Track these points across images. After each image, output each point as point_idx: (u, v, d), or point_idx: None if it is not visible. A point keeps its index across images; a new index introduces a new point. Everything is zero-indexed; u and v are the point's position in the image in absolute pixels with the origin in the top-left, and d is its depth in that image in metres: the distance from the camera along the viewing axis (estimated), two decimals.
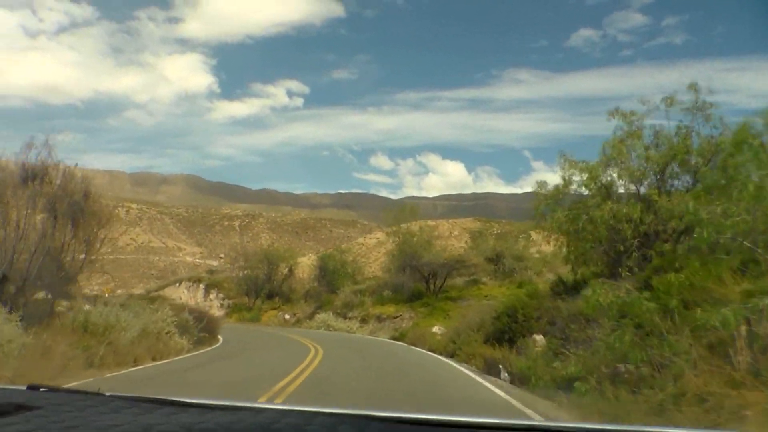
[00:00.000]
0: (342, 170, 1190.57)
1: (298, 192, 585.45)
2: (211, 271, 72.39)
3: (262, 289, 56.01)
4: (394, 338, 33.21)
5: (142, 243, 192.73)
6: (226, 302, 58.80)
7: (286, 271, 58.84)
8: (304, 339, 29.95)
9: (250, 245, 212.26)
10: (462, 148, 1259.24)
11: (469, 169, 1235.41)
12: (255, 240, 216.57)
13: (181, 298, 66.95)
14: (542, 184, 20.78)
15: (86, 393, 1.88)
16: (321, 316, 43.00)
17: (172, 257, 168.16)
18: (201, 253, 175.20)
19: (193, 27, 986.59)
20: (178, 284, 69.31)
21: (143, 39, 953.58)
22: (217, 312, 58.71)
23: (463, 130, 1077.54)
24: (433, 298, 39.95)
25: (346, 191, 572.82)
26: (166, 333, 21.24)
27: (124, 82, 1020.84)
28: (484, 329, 20.64)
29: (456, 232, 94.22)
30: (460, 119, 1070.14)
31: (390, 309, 40.57)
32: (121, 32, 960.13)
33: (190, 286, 66.19)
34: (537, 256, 45.82)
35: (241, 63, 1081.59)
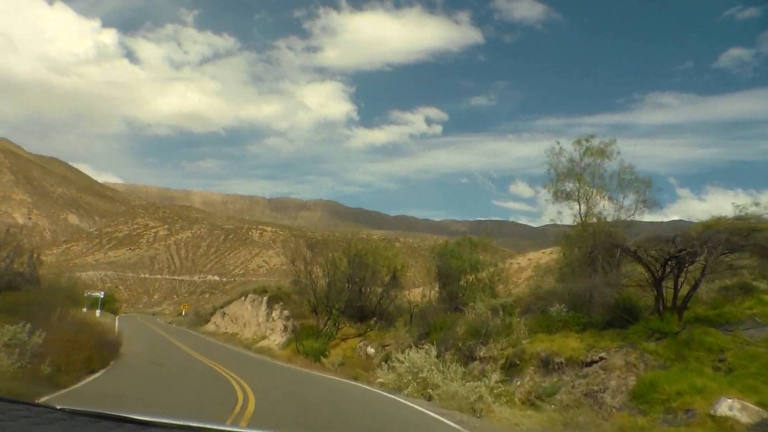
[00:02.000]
0: (481, 198, 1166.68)
1: (437, 219, 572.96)
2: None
3: (339, 304, 34.21)
4: None
5: (274, 265, 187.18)
6: (291, 323, 37.51)
7: (387, 278, 37.15)
8: None
9: None
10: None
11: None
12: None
13: (243, 316, 46.78)
14: None
15: (34, 405, 1.78)
16: (414, 357, 20.01)
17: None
18: None
19: (331, 55, 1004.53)
20: (243, 298, 49.29)
21: (283, 68, 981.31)
22: (279, 338, 37.62)
23: None
24: (673, 322, 16.54)
25: (485, 219, 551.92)
26: None
27: (264, 110, 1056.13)
28: None
29: None
30: None
31: (572, 343, 17.40)
32: (261, 62, 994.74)
33: (254, 300, 45.92)
34: None
35: (380, 90, 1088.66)
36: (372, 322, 34.06)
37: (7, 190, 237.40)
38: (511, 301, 23.15)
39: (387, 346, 27.69)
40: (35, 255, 30.17)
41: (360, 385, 21.20)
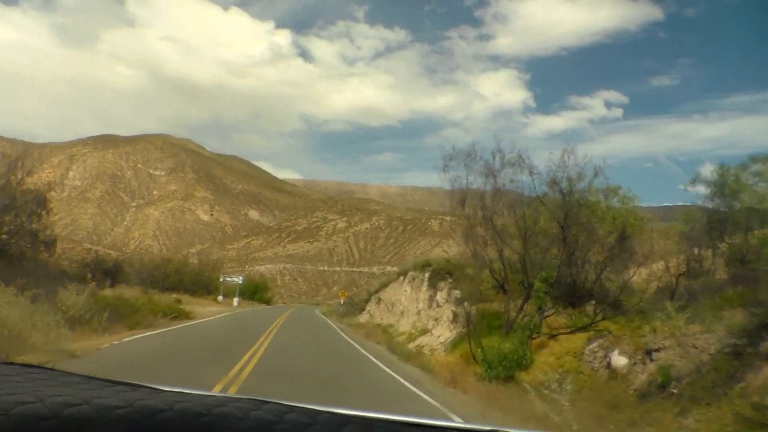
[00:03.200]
0: (666, 182, 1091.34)
1: (617, 206, 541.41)
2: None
3: (547, 273, 19.51)
4: None
5: (453, 255, 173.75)
6: (463, 308, 23.23)
7: (612, 240, 21.94)
8: None
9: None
10: None
11: None
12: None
13: (401, 302, 33.65)
14: None
15: (42, 368, 1.77)
16: None
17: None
18: None
19: (504, 43, 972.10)
20: (402, 278, 35.99)
21: (456, 58, 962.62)
22: (445, 332, 23.92)
23: None
24: None
25: (671, 204, 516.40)
26: None
27: (439, 101, 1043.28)
28: None
29: None
30: None
31: None
32: (434, 53, 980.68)
33: (413, 279, 32.46)
34: None
35: (556, 76, 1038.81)
36: (592, 306, 19.35)
37: (190, 187, 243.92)
38: None
39: (657, 350, 12.86)
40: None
41: None
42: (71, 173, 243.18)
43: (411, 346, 25.43)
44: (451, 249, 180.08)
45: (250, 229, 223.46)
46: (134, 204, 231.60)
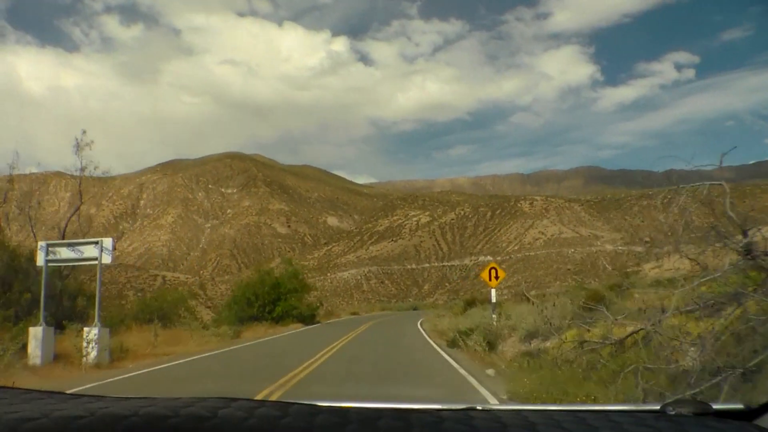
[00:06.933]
0: (752, 138, 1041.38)
1: (709, 168, 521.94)
2: None
3: None
4: None
5: (552, 236, 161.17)
6: None
7: None
8: None
9: (678, 224, 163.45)
10: None
11: None
12: (680, 218, 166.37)
13: None
14: None
15: (2, 388, 1.78)
16: None
17: (589, 247, 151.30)
18: (622, 238, 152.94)
19: (563, 18, 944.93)
20: None
21: (516, 41, 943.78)
22: None
23: None
24: None
25: (759, 160, 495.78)
26: None
27: (505, 87, 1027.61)
28: None
29: None
30: None
31: None
32: (492, 39, 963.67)
33: None
34: None
35: (621, 44, 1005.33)
36: None
37: (264, 201, 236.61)
38: None
39: None
40: None
41: None
42: (142, 202, 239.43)
43: None
44: (547, 230, 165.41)
45: (330, 236, 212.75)
46: (209, 225, 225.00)
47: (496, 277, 25.07)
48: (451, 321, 30.64)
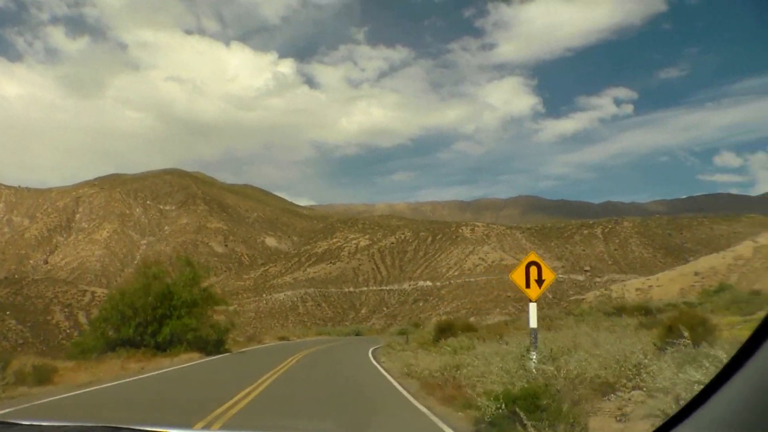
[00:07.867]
0: (684, 174, 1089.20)
1: (642, 201, 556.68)
2: None
3: None
4: None
5: (492, 262, 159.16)
6: None
7: None
8: None
9: (618, 254, 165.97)
10: None
11: None
12: (624, 248, 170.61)
13: None
14: None
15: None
16: None
17: None
18: (563, 267, 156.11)
19: (508, 50, 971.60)
20: None
21: (461, 70, 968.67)
22: None
23: None
24: None
25: (690, 195, 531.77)
26: None
27: (448, 115, 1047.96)
28: None
29: None
30: None
31: None
32: (438, 67, 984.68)
33: None
34: None
35: (563, 78, 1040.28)
36: None
37: (202, 219, 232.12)
38: None
39: None
40: None
41: None
42: (77, 215, 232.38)
43: None
44: (488, 256, 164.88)
45: (268, 256, 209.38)
46: (144, 241, 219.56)
47: (539, 281, 13.94)
48: (434, 359, 20.56)
